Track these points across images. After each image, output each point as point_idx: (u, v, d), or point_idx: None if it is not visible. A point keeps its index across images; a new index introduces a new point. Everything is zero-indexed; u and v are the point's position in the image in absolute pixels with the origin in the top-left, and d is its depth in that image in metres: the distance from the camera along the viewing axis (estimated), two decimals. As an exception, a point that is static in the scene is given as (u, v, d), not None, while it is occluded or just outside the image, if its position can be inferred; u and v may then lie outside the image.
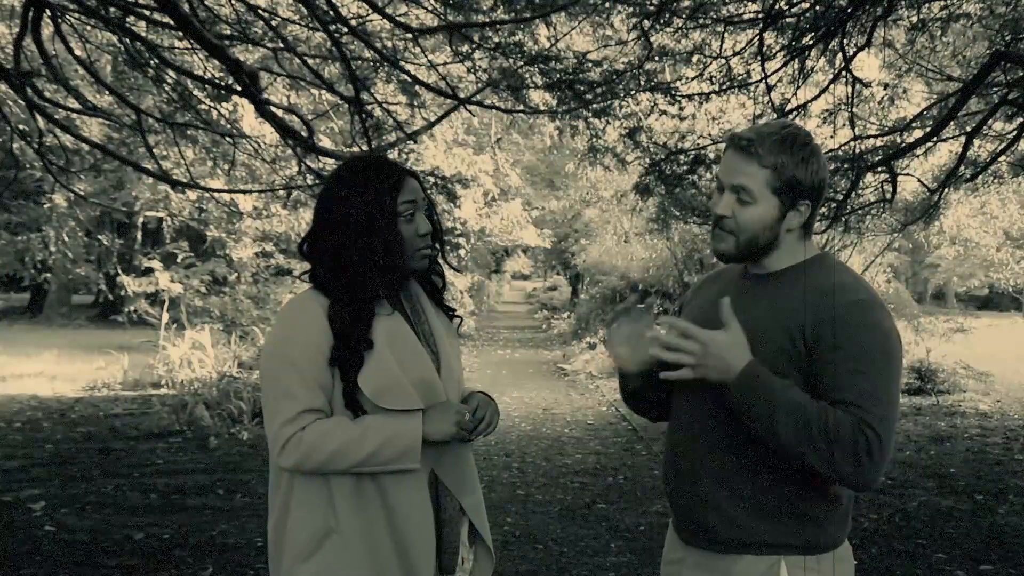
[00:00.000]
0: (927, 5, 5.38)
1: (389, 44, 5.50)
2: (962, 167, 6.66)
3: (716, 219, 1.60)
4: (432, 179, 6.37)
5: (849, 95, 5.78)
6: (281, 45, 5.33)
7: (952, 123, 5.91)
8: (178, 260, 12.93)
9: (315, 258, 1.66)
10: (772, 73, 5.60)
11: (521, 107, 5.60)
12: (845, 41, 5.33)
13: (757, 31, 5.29)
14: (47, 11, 4.67)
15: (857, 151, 5.99)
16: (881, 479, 1.46)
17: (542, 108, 5.68)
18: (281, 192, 7.49)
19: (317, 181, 5.76)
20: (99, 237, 18.63)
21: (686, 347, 1.47)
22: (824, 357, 1.46)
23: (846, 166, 6.05)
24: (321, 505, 1.59)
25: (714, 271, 1.82)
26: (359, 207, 1.61)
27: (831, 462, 1.41)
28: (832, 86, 5.82)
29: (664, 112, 5.80)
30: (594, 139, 6.11)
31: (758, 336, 1.52)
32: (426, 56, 5.52)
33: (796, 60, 5.60)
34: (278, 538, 1.64)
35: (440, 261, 1.81)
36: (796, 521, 1.51)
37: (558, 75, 5.27)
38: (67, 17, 5.17)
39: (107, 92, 6.37)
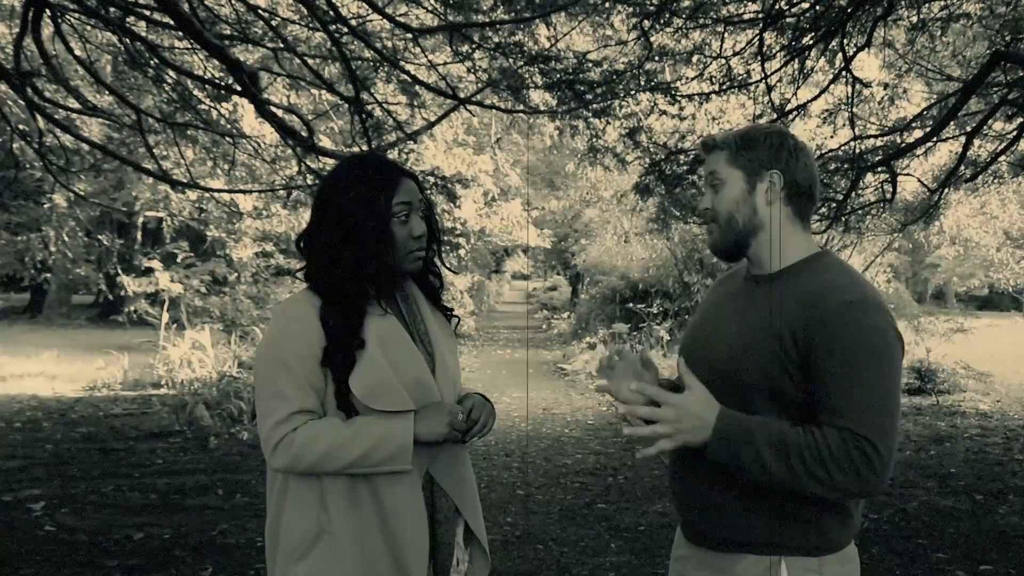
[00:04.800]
0: (927, 5, 5.38)
1: (389, 44, 5.50)
2: (962, 167, 6.66)
3: (701, 216, 1.66)
4: (432, 179, 6.37)
5: (849, 95, 5.78)
6: (281, 45, 5.33)
7: (952, 123, 5.91)
8: (178, 260, 12.92)
9: (310, 256, 1.66)
10: (772, 73, 5.60)
11: (521, 107, 5.60)
12: (845, 41, 5.33)
13: (757, 31, 5.29)
14: (47, 11, 4.67)
15: (857, 151, 6.00)
16: (887, 483, 1.46)
17: (542, 108, 5.68)
18: (281, 192, 7.49)
19: (317, 181, 5.76)
20: (99, 237, 18.62)
21: (660, 415, 1.46)
22: (818, 364, 1.45)
23: (846, 166, 6.05)
24: (313, 506, 1.59)
25: (726, 272, 1.82)
26: (353, 206, 1.61)
27: (833, 485, 1.41)
28: (832, 86, 5.83)
29: (664, 112, 5.81)
30: (594, 139, 6.11)
31: (753, 341, 1.51)
32: (426, 56, 5.52)
33: (796, 60, 5.60)
34: (273, 538, 1.65)
35: (437, 262, 1.80)
36: (796, 523, 1.51)
37: (558, 75, 5.27)
38: (67, 17, 5.17)
39: (107, 92, 6.37)
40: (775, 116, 5.73)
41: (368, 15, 5.25)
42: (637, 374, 1.63)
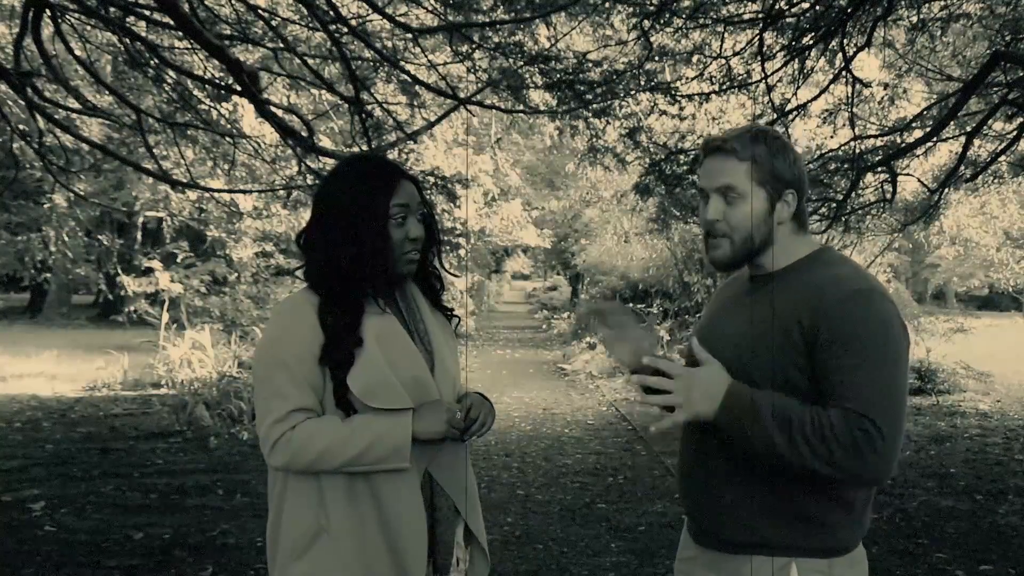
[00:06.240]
0: (927, 5, 5.38)
1: (389, 44, 5.50)
2: (962, 167, 6.66)
3: (707, 226, 1.58)
4: (432, 179, 6.37)
5: (849, 95, 5.78)
6: (281, 45, 5.33)
7: (952, 123, 5.91)
8: (178, 260, 12.93)
9: (308, 254, 1.67)
10: (772, 73, 5.60)
11: (521, 107, 5.61)
12: (845, 41, 5.33)
13: (757, 31, 5.29)
14: (47, 11, 4.67)
15: (857, 151, 6.00)
16: (894, 472, 1.45)
17: (542, 108, 5.68)
18: (281, 192, 7.49)
19: (317, 181, 5.76)
20: (99, 237, 18.63)
21: (669, 386, 1.46)
22: (823, 352, 1.44)
23: (846, 166, 6.05)
24: (312, 504, 1.59)
25: (731, 276, 1.80)
26: (351, 207, 1.61)
27: (832, 462, 1.39)
28: (832, 86, 5.83)
29: (664, 112, 5.81)
30: (594, 139, 6.11)
31: (760, 337, 1.50)
32: (426, 56, 5.52)
33: (796, 60, 5.60)
34: (273, 536, 1.65)
35: (438, 265, 1.80)
36: (806, 524, 1.50)
37: (558, 75, 5.27)
38: (67, 17, 5.16)
39: (107, 92, 6.37)
40: (775, 116, 5.73)
41: (368, 15, 5.25)
42: (638, 338, 1.59)
